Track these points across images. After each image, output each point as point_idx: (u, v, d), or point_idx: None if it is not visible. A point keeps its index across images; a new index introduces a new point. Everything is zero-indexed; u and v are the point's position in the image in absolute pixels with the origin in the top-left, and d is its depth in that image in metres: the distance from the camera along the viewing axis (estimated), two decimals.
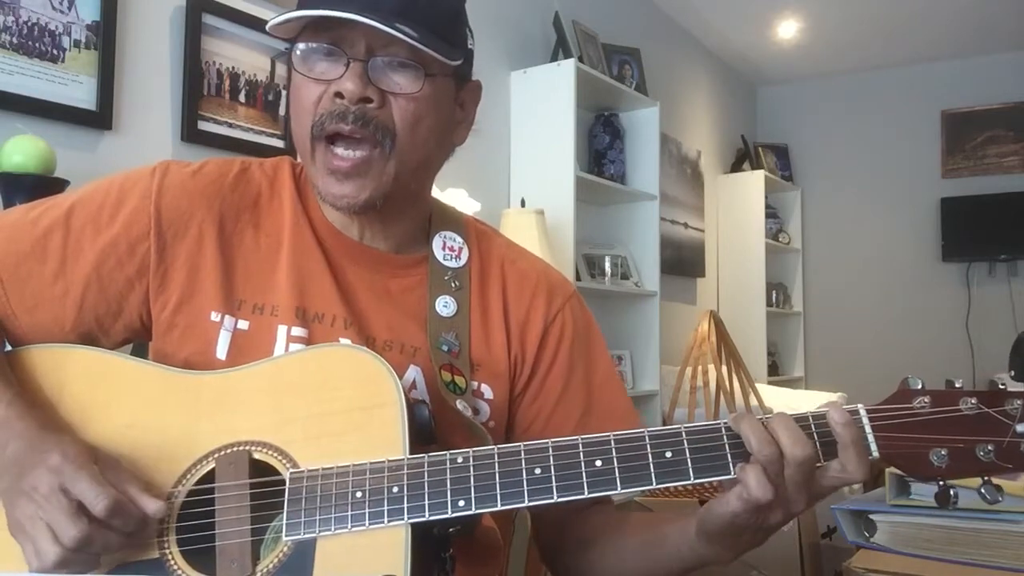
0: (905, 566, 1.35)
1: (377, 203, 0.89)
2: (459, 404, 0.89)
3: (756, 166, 5.19)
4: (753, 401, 3.40)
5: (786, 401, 3.90)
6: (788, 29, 4.80)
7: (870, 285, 5.32)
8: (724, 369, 3.39)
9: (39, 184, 1.61)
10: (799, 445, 0.73)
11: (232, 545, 0.77)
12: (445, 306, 0.96)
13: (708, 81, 5.10)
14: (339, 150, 0.87)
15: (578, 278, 3.37)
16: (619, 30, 3.88)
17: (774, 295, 5.20)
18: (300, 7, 0.87)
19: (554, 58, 3.38)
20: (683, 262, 4.55)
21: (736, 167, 5.23)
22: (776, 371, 5.24)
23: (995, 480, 0.75)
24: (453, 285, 0.97)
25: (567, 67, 3.22)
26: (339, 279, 0.94)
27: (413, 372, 0.93)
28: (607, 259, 3.63)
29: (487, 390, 0.96)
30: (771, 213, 5.29)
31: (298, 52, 0.88)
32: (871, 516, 1.45)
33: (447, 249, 1.00)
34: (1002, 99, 5.03)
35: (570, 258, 3.16)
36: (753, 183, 5.03)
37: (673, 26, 4.67)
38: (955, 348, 5.00)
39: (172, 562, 0.77)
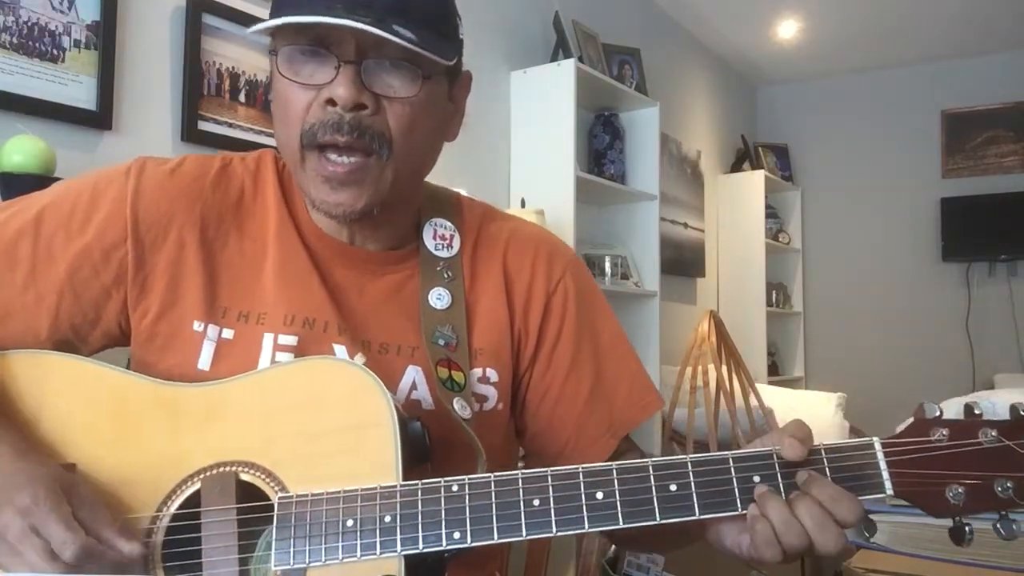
0: (905, 566, 1.35)
1: (374, 210, 0.85)
2: (456, 403, 0.86)
3: (756, 166, 5.19)
4: (753, 401, 3.40)
5: (786, 401, 3.90)
6: (788, 29, 4.80)
7: (870, 285, 5.32)
8: (724, 369, 3.39)
9: (39, 184, 1.59)
10: (830, 537, 0.70)
11: (220, 574, 0.74)
12: (439, 298, 0.92)
13: (708, 81, 5.10)
14: (332, 156, 0.82)
15: None
16: (619, 30, 3.88)
17: (774, 295, 5.20)
18: (285, 10, 0.80)
19: (554, 58, 3.37)
20: (683, 262, 4.55)
21: (736, 167, 5.23)
22: (776, 371, 5.24)
23: (1012, 514, 0.72)
24: (446, 276, 0.93)
25: (567, 67, 3.22)
26: (328, 282, 0.90)
27: (413, 372, 0.90)
28: (607, 259, 3.63)
29: (492, 374, 0.93)
30: (771, 213, 5.29)
31: (281, 53, 0.83)
32: (871, 516, 1.45)
33: (438, 238, 0.96)
34: (1002, 99, 5.02)
35: None
36: (753, 183, 5.03)
37: (673, 26, 4.66)
38: (955, 348, 5.00)
39: None
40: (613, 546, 2.37)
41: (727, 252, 5.04)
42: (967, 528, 0.72)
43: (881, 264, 5.31)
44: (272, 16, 0.81)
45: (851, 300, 5.38)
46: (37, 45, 1.83)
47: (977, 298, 5.04)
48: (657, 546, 0.99)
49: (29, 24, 1.81)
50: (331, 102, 0.81)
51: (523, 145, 3.30)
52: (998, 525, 0.71)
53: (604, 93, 3.59)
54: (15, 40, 1.79)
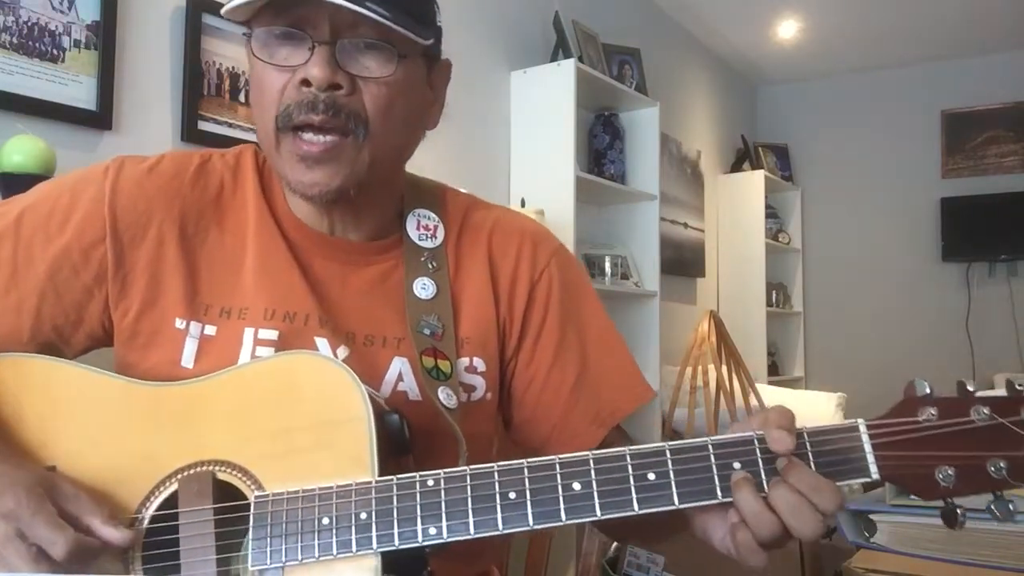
0: (905, 566, 1.35)
1: (351, 191, 0.84)
2: (441, 393, 0.86)
3: (756, 166, 5.19)
4: (753, 401, 3.41)
5: (786, 401, 3.88)
6: (788, 29, 4.80)
7: (870, 285, 5.32)
8: (724, 369, 3.39)
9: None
10: (808, 524, 0.67)
11: (198, 575, 0.74)
12: (423, 288, 0.91)
13: (708, 81, 5.10)
14: (308, 135, 0.82)
15: None
16: (619, 30, 3.88)
17: (774, 295, 5.20)
18: None
19: (554, 58, 3.37)
20: (683, 262, 4.55)
21: (736, 167, 5.23)
22: (776, 371, 5.24)
23: (1008, 494, 0.68)
24: (430, 266, 0.92)
25: (567, 67, 3.22)
26: (308, 275, 0.89)
27: (399, 364, 0.89)
28: (607, 259, 3.63)
29: (479, 363, 0.92)
30: (771, 213, 5.29)
31: (256, 37, 0.82)
32: (871, 516, 1.45)
33: (422, 229, 0.95)
34: (1002, 99, 5.02)
35: None
36: (753, 183, 5.03)
37: (673, 26, 4.66)
38: (955, 348, 5.00)
39: None
40: (614, 545, 2.37)
41: (727, 252, 5.04)
42: (959, 510, 0.69)
43: (881, 264, 5.31)
44: None
45: (851, 300, 5.38)
46: (37, 45, 1.83)
47: (977, 298, 5.04)
48: (643, 536, 0.98)
49: (29, 24, 1.81)
50: (306, 82, 0.81)
51: (523, 145, 3.30)
52: (993, 506, 0.69)
53: (604, 93, 3.58)
54: (15, 40, 1.79)
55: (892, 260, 5.28)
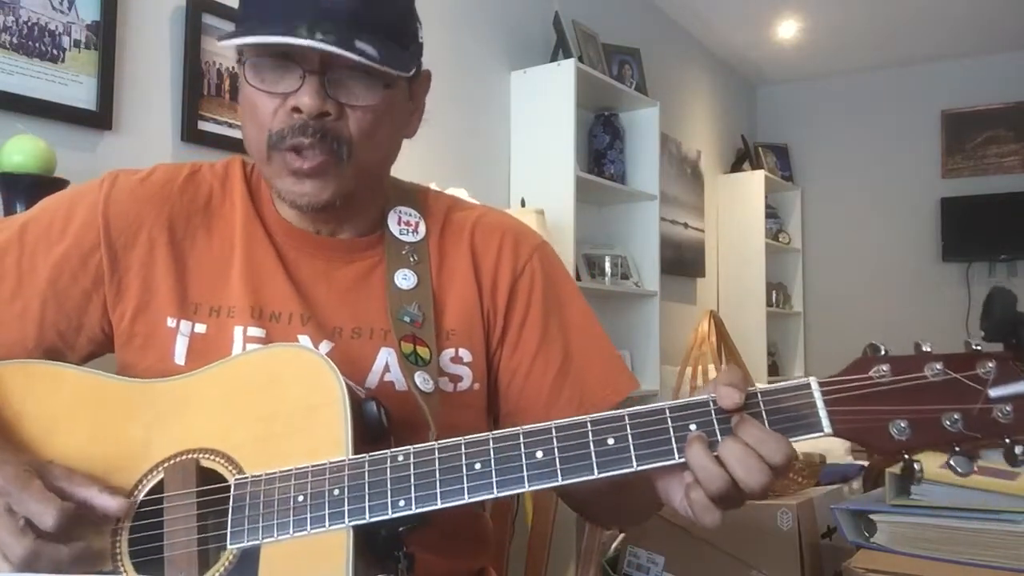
0: (905, 566, 1.35)
1: (337, 202, 0.89)
2: (418, 377, 0.89)
3: (756, 166, 5.19)
4: None
5: None
6: (788, 29, 4.80)
7: (870, 285, 5.32)
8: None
9: (39, 184, 1.61)
10: (754, 475, 0.69)
11: (180, 555, 0.77)
12: (404, 279, 0.95)
13: (708, 81, 5.10)
14: (298, 151, 0.86)
15: (578, 278, 3.36)
16: (619, 30, 3.88)
17: (774, 295, 5.20)
18: (249, 23, 0.85)
19: (554, 58, 3.38)
20: (683, 262, 4.55)
21: (736, 167, 5.23)
22: (776, 371, 5.24)
23: (970, 448, 0.68)
24: (412, 259, 0.96)
25: (567, 67, 3.22)
26: (293, 275, 0.94)
27: (385, 355, 0.92)
28: (607, 259, 3.63)
29: (465, 354, 0.95)
30: (771, 213, 5.28)
31: (248, 64, 0.87)
32: (871, 516, 1.46)
33: (403, 224, 0.99)
34: (1002, 99, 5.02)
35: (570, 258, 3.16)
36: (753, 183, 5.03)
37: (673, 26, 4.67)
38: (955, 348, 4.97)
39: (124, 574, 0.78)
40: (613, 545, 2.37)
41: (727, 252, 5.04)
42: (916, 465, 0.69)
43: (881, 264, 5.31)
44: (238, 27, 0.87)
45: (851, 300, 5.38)
46: (37, 45, 1.83)
47: (977, 298, 5.04)
48: (618, 513, 1.01)
49: (29, 24, 1.81)
50: (296, 109, 0.84)
51: (523, 145, 3.30)
52: (951, 462, 0.68)
53: (604, 93, 3.59)
54: (15, 40, 1.79)
55: (892, 260, 5.28)
